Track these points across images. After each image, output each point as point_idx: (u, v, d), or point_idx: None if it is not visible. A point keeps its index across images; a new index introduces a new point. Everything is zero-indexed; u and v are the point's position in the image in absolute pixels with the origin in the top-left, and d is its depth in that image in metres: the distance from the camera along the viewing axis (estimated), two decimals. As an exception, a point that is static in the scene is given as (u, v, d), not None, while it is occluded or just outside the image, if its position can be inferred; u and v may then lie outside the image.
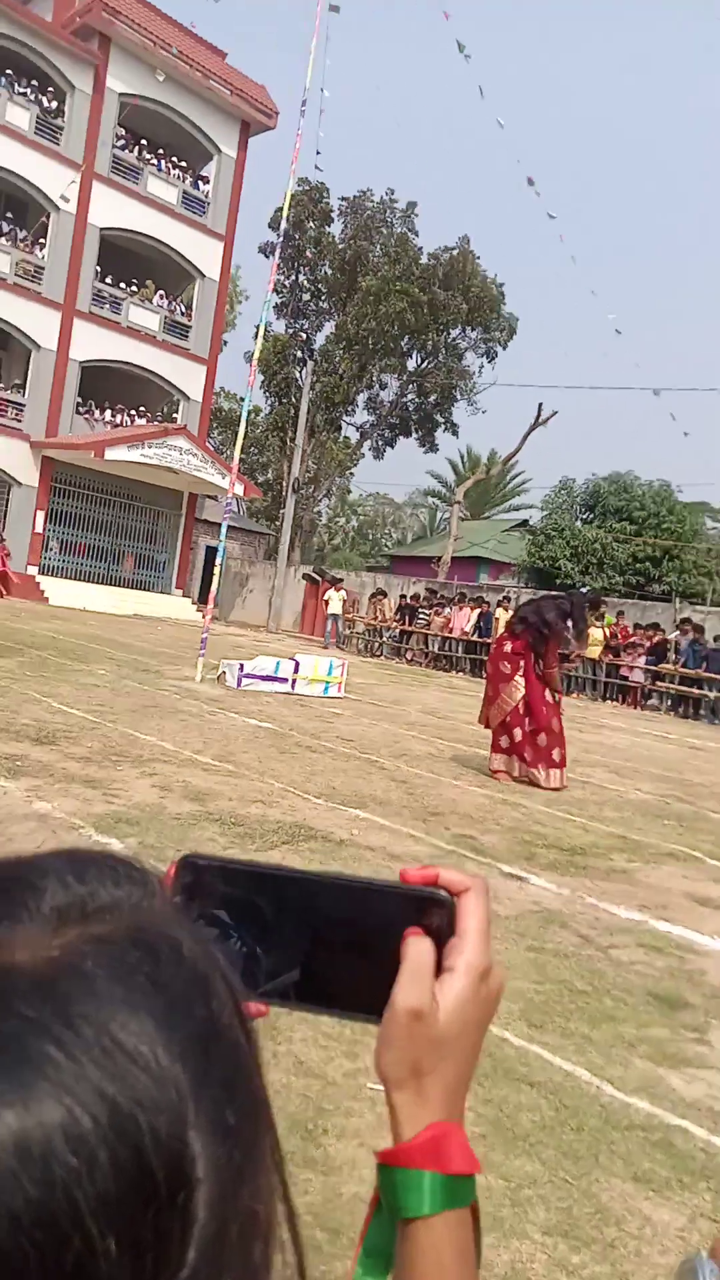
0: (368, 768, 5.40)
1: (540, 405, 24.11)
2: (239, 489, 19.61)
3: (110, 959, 0.27)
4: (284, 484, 25.63)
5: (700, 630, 14.87)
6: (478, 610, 17.42)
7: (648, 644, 15.15)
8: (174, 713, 6.44)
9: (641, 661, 14.86)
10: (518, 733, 5.51)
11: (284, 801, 4.21)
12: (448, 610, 18.09)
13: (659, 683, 14.65)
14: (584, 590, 6.32)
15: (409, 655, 18.27)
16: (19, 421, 19.12)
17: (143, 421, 21.08)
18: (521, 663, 5.58)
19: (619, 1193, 1.79)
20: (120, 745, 4.98)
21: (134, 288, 20.81)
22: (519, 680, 5.54)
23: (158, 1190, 0.24)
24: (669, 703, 14.54)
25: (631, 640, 15.40)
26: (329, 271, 25.27)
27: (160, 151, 20.87)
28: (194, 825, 3.63)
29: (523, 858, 3.76)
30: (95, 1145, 0.24)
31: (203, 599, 22.27)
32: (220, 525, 10.87)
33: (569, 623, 5.65)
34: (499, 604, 17.10)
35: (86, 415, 20.20)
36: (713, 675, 13.85)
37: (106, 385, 20.54)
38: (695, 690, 14.09)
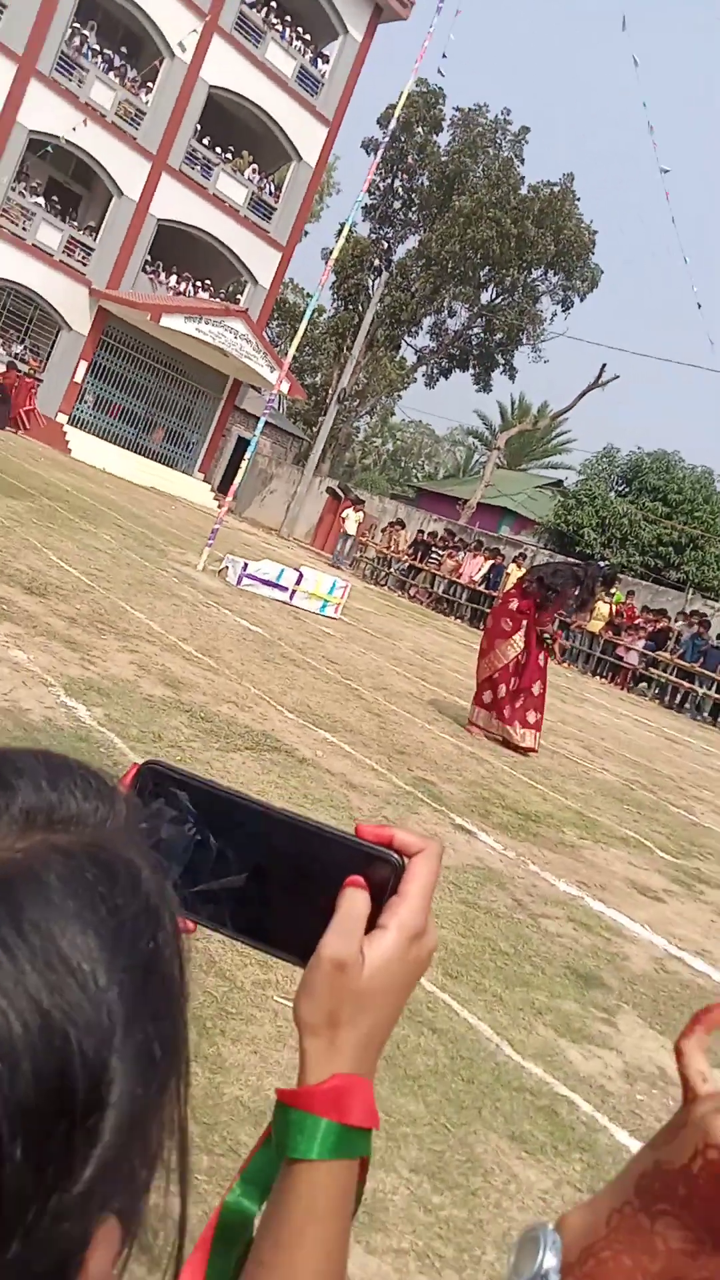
0: (346, 693, 5.40)
1: (604, 367, 23.58)
2: (285, 387, 19.26)
3: (69, 871, 0.28)
4: (330, 392, 25.16)
5: (706, 625, 14.81)
6: (491, 561, 17.29)
7: (650, 628, 15.10)
8: (169, 595, 6.41)
9: (640, 645, 14.84)
10: (502, 689, 5.50)
11: (257, 708, 4.21)
12: (461, 555, 17.95)
13: (652, 669, 14.64)
14: (602, 564, 6.23)
15: (412, 591, 18.21)
16: (84, 265, 18.62)
17: (205, 295, 20.52)
18: (524, 622, 5.54)
19: (493, 1147, 1.83)
20: (108, 614, 4.96)
21: (228, 155, 20.05)
22: (518, 639, 5.51)
23: (73, 1108, 0.25)
24: (657, 690, 14.57)
25: (636, 622, 15.34)
26: (426, 183, 24.32)
27: (287, 19, 19.88)
28: (163, 711, 3.63)
29: (477, 813, 3.79)
30: (21, 1052, 0.24)
31: (223, 489, 22.08)
32: (259, 420, 10.68)
33: (576, 591, 5.59)
34: (514, 560, 16.97)
35: (152, 276, 19.65)
36: (707, 672, 13.85)
37: (178, 250, 19.95)
38: (686, 683, 14.10)
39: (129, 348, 19.68)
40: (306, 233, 25.87)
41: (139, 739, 3.13)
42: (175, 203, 19.07)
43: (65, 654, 3.87)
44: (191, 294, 20.23)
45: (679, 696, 14.25)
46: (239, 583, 8.79)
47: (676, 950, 3.01)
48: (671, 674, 14.32)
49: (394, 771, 3.97)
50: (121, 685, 3.74)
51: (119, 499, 12.58)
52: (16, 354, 18.04)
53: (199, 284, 20.55)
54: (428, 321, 25.61)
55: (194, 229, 19.56)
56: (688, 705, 14.09)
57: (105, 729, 3.09)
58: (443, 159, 23.79)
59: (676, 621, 15.18)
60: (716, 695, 13.88)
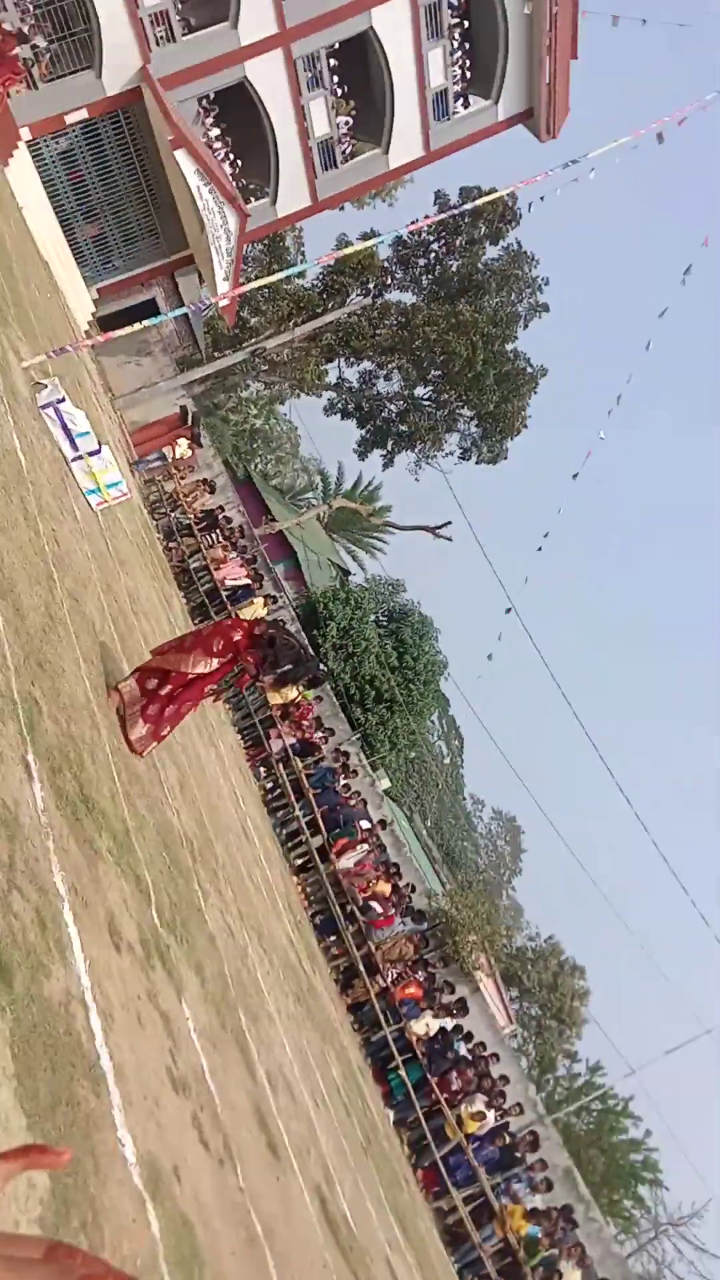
0: (44, 575, 5.08)
1: (448, 524, 24.96)
2: (224, 303, 18.59)
3: None
4: (252, 339, 24.63)
5: (346, 770, 15.60)
6: (247, 581, 17.34)
7: (308, 736, 15.69)
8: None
9: (290, 741, 15.34)
10: (165, 689, 5.41)
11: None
12: (233, 556, 17.86)
13: (280, 766, 15.14)
14: (320, 667, 6.41)
15: (171, 547, 17.79)
16: (158, 41, 17.19)
17: (230, 172, 19.59)
18: (231, 656, 5.54)
19: None
20: None
21: (339, 91, 19.55)
22: (214, 663, 5.48)
23: None
24: (270, 786, 15.05)
25: (301, 723, 15.88)
26: (452, 269, 24.96)
27: (467, 45, 20.04)
28: None
29: (50, 766, 3.64)
30: None
31: (104, 326, 20.68)
32: (181, 305, 10.18)
33: (288, 669, 5.70)
34: (265, 597, 17.13)
35: (202, 111, 18.50)
36: (323, 807, 14.57)
37: (236, 115, 18.98)
38: (293, 798, 14.69)
39: (131, 138, 18.26)
40: (343, 208, 25.67)
41: None
42: (267, 81, 18.22)
43: None
44: (219, 157, 19.23)
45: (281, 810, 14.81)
46: (43, 407, 8.13)
47: (89, 999, 3.00)
48: (288, 781, 14.87)
49: (17, 671, 3.72)
50: None
51: (10, 246, 11.36)
52: (28, 22, 15.61)
53: (231, 157, 19.59)
54: (366, 365, 25.95)
55: (267, 118, 18.77)
56: (280, 815, 14.66)
57: None
58: (479, 266, 24.60)
59: (328, 753, 15.90)
60: (305, 819, 14.54)
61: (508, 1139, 12.34)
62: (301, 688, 4.92)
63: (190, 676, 5.49)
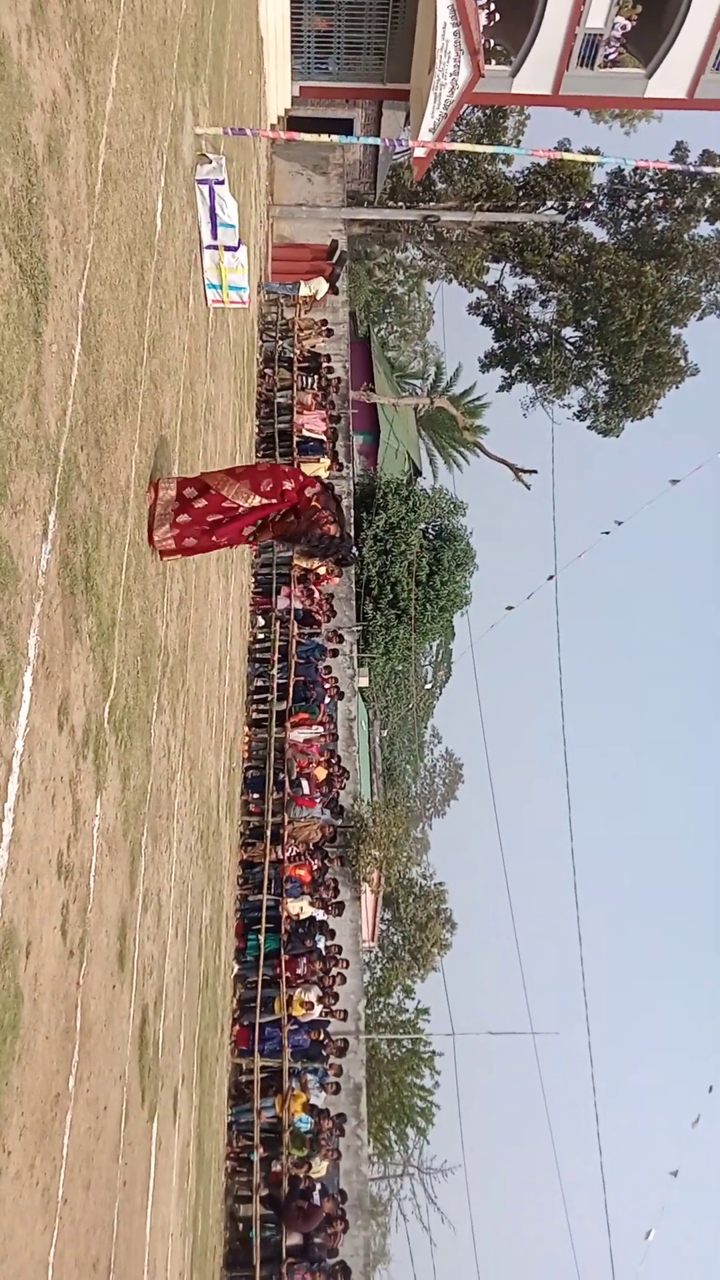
0: (136, 347, 4.91)
1: (534, 473, 24.43)
2: (421, 153, 17.63)
3: None
4: (428, 204, 23.52)
5: (334, 654, 15.67)
6: (320, 439, 17.02)
7: (312, 602, 15.73)
8: (150, 113, 5.48)
9: (294, 600, 15.37)
10: (203, 503, 5.31)
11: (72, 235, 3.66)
12: (310, 400, 17.36)
13: (276, 621, 15.20)
14: (351, 551, 6.25)
15: (265, 375, 17.35)
16: None
17: (484, 24, 18.20)
18: (274, 504, 5.42)
19: None
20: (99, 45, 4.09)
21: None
22: (257, 500, 5.36)
23: None
24: (261, 630, 15.15)
25: (312, 589, 15.85)
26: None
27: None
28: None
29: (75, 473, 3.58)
30: None
31: (293, 123, 19.65)
32: (377, 137, 9.60)
33: (320, 544, 5.55)
34: (332, 461, 16.86)
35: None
36: (300, 677, 14.73)
37: None
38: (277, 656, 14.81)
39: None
40: (578, 113, 24.10)
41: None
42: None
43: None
44: (480, 3, 17.80)
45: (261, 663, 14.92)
46: (200, 181, 7.75)
47: (15, 763, 3.02)
48: (276, 634, 14.94)
49: (71, 430, 3.63)
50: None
51: (233, 5, 10.64)
52: None
53: (491, 8, 18.09)
54: (529, 282, 24.78)
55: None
56: (257, 667, 14.79)
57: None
58: (684, 237, 22.98)
59: (326, 630, 15.94)
60: (282, 683, 14.69)
61: (322, 1035, 12.94)
62: (329, 564, 4.82)
63: (226, 504, 5.39)
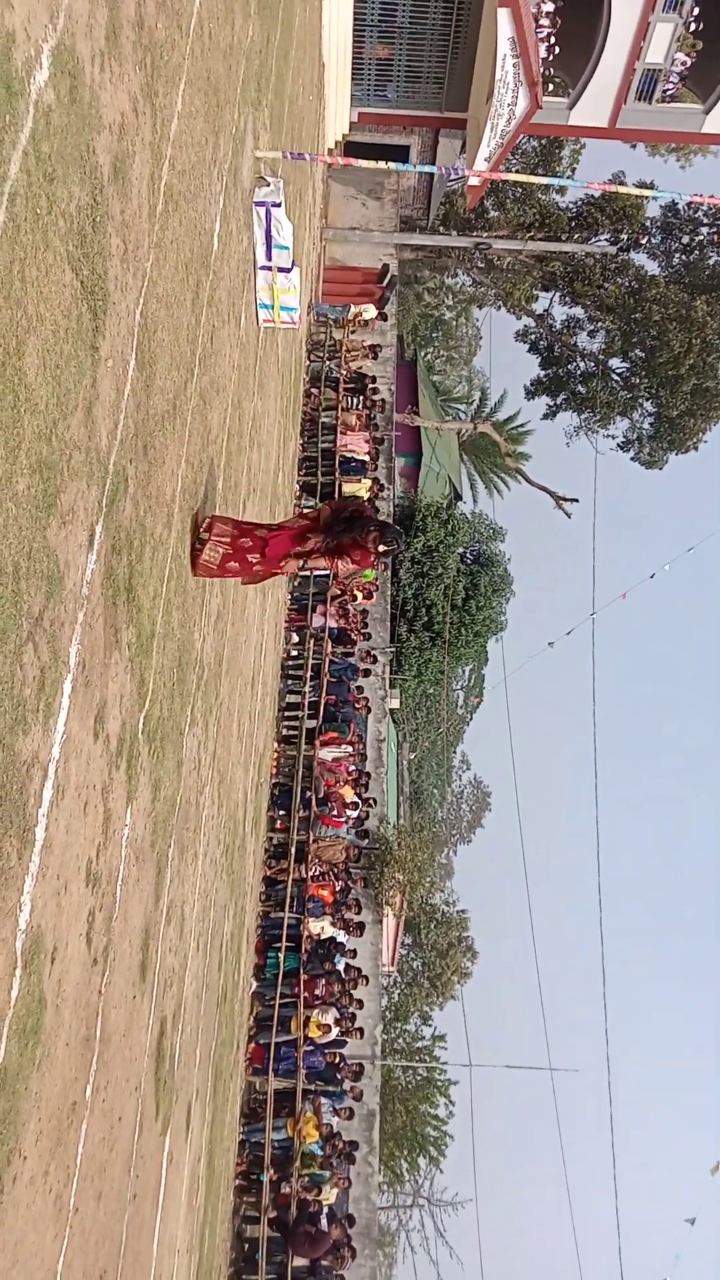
0: (188, 364, 4.99)
1: (575, 501, 24.35)
2: (475, 181, 17.78)
3: None
4: (481, 232, 23.65)
5: (366, 674, 15.66)
6: (364, 460, 17.11)
7: (347, 621, 15.75)
8: (213, 134, 5.58)
9: (331, 625, 15.40)
10: (247, 542, 5.34)
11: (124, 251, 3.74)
12: (354, 421, 17.45)
13: (313, 641, 15.24)
14: (394, 528, 6.18)
15: (311, 394, 17.50)
16: None
17: (543, 56, 18.39)
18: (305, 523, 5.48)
19: None
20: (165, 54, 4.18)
21: (694, 24, 18.11)
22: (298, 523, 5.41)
23: None
24: (295, 652, 15.20)
25: (348, 602, 15.83)
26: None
27: None
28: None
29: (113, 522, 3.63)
30: None
31: (350, 149, 19.90)
32: (433, 163, 9.70)
33: (361, 520, 5.50)
34: (373, 482, 16.93)
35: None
36: (331, 696, 14.76)
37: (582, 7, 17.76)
38: (309, 673, 14.83)
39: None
40: (635, 146, 24.15)
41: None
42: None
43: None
44: (540, 36, 17.97)
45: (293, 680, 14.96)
46: (257, 203, 7.88)
47: (51, 770, 3.05)
48: (310, 651, 14.96)
49: (122, 443, 3.68)
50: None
51: (297, 32, 10.83)
52: None
53: (551, 41, 18.26)
54: (578, 312, 24.78)
55: (607, 20, 17.51)
56: (289, 684, 14.82)
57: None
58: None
59: (359, 651, 15.94)
60: (314, 701, 14.71)
61: (337, 1058, 12.83)
62: (375, 546, 4.76)
63: (272, 545, 5.41)
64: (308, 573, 6.51)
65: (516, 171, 23.13)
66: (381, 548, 5.64)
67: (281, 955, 12.78)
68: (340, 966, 13.61)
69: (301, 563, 5.59)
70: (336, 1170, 11.93)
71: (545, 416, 26.24)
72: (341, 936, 13.92)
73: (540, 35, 17.73)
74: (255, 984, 12.42)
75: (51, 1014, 2.90)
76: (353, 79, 19.07)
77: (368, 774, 15.75)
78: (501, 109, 16.69)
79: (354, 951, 14.18)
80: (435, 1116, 29.17)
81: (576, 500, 26.31)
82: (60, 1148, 3.07)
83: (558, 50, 18.30)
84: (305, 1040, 12.43)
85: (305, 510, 5.44)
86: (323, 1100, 12.32)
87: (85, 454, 3.00)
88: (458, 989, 26.20)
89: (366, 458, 17.31)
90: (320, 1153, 11.83)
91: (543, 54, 17.87)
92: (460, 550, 22.60)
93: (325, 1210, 11.56)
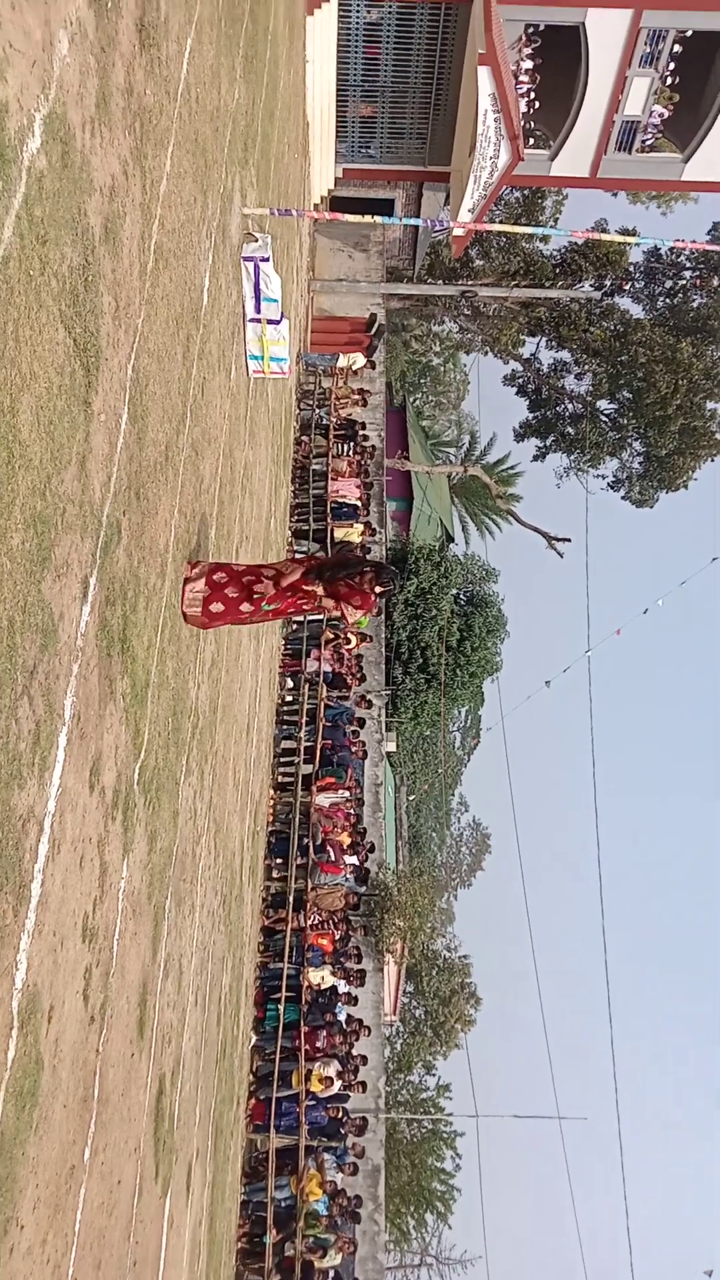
0: (180, 415, 5.05)
1: (567, 540, 24.50)
2: (460, 232, 18.15)
3: None
4: (466, 280, 24.11)
5: (361, 722, 15.62)
6: (355, 505, 17.23)
7: (342, 665, 15.72)
8: (199, 196, 5.72)
9: (325, 669, 15.38)
10: (231, 590, 5.36)
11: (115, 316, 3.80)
12: (345, 467, 17.60)
13: (300, 685, 15.21)
14: (393, 570, 6.22)
15: (301, 442, 17.70)
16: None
17: (524, 110, 18.92)
18: (301, 593, 5.51)
19: None
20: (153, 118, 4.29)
21: (669, 80, 18.66)
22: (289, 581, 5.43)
23: None
24: (289, 695, 15.16)
25: (339, 644, 15.83)
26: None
27: None
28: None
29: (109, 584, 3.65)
30: None
31: (336, 204, 20.35)
32: (419, 219, 9.92)
33: (355, 563, 5.57)
34: (365, 526, 17.04)
35: (521, 42, 17.82)
36: (327, 741, 14.71)
37: (558, 58, 18.30)
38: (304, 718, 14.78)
39: (443, 35, 17.75)
40: (615, 194, 24.62)
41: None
42: (604, 37, 17.45)
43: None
44: (520, 91, 18.51)
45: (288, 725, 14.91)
46: (245, 258, 8.04)
47: (47, 824, 3.02)
48: (304, 696, 14.91)
49: (115, 495, 3.72)
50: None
51: (282, 93, 11.15)
52: None
53: (531, 96, 18.82)
54: (564, 355, 25.14)
55: (585, 74, 18.02)
56: (284, 729, 14.76)
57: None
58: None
59: (354, 695, 15.90)
60: (309, 746, 14.64)
61: (340, 1113, 12.56)
62: (371, 587, 4.76)
63: (269, 587, 5.44)
64: (303, 618, 6.52)
65: (500, 221, 23.64)
66: (379, 589, 5.69)
67: (281, 1007, 12.56)
68: (342, 1017, 13.37)
69: (316, 601, 5.63)
70: (341, 1232, 11.61)
71: (535, 458, 26.52)
72: (343, 986, 13.70)
73: (520, 91, 18.24)
74: (255, 1038, 12.19)
75: (49, 1075, 2.84)
76: (337, 136, 19.55)
77: (363, 826, 15.63)
78: (484, 162, 17.11)
79: (355, 999, 13.95)
80: (442, 1170, 28.48)
81: (569, 540, 26.53)
82: (59, 1215, 2.99)
83: (538, 104, 18.83)
84: (307, 1095, 12.17)
85: (298, 555, 5.48)
86: (326, 1156, 12.03)
87: (79, 507, 3.02)
88: (461, 1037, 25.74)
89: (358, 503, 17.44)
90: (325, 1211, 11.52)
91: (523, 108, 18.38)
92: (454, 592, 22.69)
93: (331, 1275, 11.24)
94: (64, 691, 2.91)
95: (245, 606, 5.45)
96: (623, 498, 24.85)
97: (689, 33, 17.61)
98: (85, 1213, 3.35)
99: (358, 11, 17.61)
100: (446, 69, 18.75)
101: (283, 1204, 11.39)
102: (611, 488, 25.03)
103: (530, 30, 17.77)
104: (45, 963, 2.79)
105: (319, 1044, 12.65)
